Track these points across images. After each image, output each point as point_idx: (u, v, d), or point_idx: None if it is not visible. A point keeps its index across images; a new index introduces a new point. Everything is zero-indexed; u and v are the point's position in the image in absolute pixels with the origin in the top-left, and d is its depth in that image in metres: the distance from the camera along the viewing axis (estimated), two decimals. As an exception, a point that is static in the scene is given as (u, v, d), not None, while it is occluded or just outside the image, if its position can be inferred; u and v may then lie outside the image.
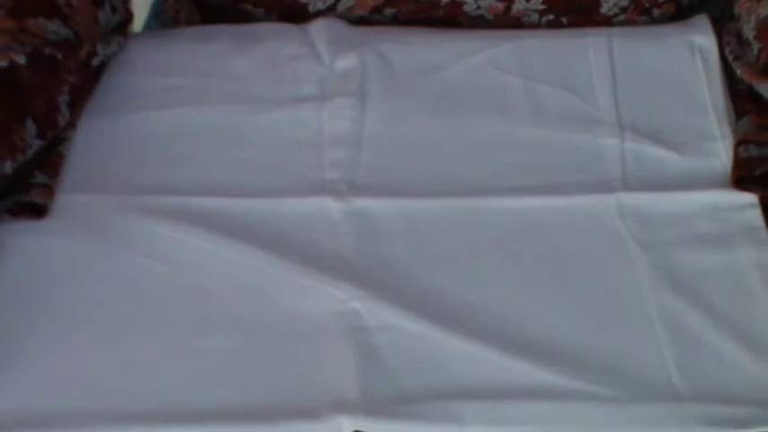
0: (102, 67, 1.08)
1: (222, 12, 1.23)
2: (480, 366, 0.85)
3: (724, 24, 1.12)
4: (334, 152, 1.02)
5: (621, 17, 1.19)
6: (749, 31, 1.06)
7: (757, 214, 0.95)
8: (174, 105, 1.06)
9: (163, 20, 1.34)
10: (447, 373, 0.84)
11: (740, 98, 1.05)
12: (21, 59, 0.96)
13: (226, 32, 1.15)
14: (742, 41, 1.07)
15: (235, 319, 0.88)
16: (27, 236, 0.94)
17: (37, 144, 0.95)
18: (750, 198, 0.96)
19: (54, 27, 1.01)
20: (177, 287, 0.91)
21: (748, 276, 0.91)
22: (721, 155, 1.00)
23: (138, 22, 1.26)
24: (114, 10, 1.11)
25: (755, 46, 1.04)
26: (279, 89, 1.08)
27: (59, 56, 1.00)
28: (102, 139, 1.03)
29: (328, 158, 1.02)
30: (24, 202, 0.94)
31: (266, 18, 1.21)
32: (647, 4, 1.19)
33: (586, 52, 1.11)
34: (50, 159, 0.98)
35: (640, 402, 0.82)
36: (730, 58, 1.08)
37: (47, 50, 0.99)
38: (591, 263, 0.92)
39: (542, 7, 1.18)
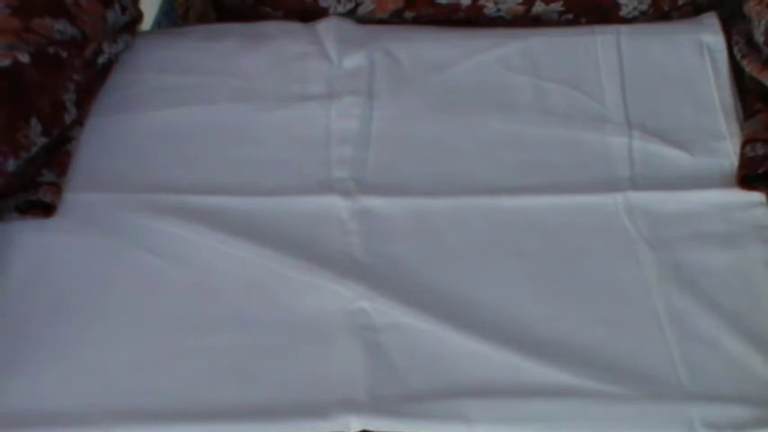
0: (109, 65, 1.08)
1: (241, 14, 1.23)
2: (488, 365, 0.85)
3: (734, 23, 1.12)
4: (341, 150, 1.02)
5: (641, 21, 1.19)
6: (759, 36, 1.06)
7: (766, 213, 0.95)
8: (182, 103, 1.06)
9: (172, 18, 1.34)
10: (455, 372, 0.84)
11: (749, 97, 1.05)
12: (24, 58, 0.96)
13: (234, 31, 1.15)
14: (752, 44, 1.07)
15: (242, 318, 0.88)
16: (34, 234, 0.94)
17: (41, 142, 0.96)
18: (758, 197, 0.96)
19: (60, 26, 1.02)
20: (184, 285, 0.91)
21: (757, 275, 0.90)
22: (729, 154, 1.00)
23: (148, 20, 1.26)
24: (124, 10, 1.11)
25: (765, 51, 1.04)
26: (287, 87, 1.08)
27: (64, 54, 1.00)
28: (109, 137, 1.03)
29: (336, 157, 1.02)
30: (32, 201, 0.95)
31: None
32: (666, 8, 1.19)
33: (595, 51, 1.10)
34: (58, 157, 0.98)
35: (648, 401, 0.82)
36: (738, 56, 1.07)
37: (51, 49, 0.99)
38: (599, 262, 0.92)
39: (562, 9, 1.18)
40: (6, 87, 0.94)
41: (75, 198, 0.97)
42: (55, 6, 1.02)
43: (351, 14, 1.18)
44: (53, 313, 0.89)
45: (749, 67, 1.05)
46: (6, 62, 0.95)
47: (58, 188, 0.96)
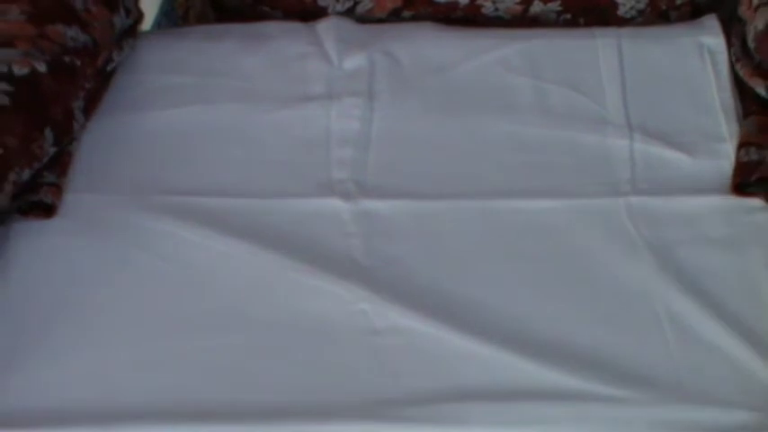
0: (112, 71, 1.08)
1: (240, 14, 1.23)
2: (488, 367, 0.84)
3: (733, 25, 1.12)
4: (341, 152, 1.02)
5: (639, 20, 1.19)
6: (750, 41, 1.06)
7: (767, 216, 0.95)
8: (182, 104, 1.06)
9: (172, 18, 1.34)
10: (455, 375, 0.84)
11: (747, 98, 1.05)
12: (41, 67, 0.96)
13: (234, 31, 1.15)
14: (746, 47, 1.07)
15: (243, 320, 0.88)
16: (35, 235, 0.94)
17: (53, 151, 0.96)
18: (759, 200, 0.96)
19: (73, 33, 1.02)
20: (186, 286, 0.91)
21: (758, 278, 0.90)
22: (730, 156, 1.00)
23: (148, 20, 1.26)
24: (128, 13, 1.11)
25: (756, 57, 1.04)
26: (287, 88, 1.08)
27: (78, 63, 1.00)
28: (110, 137, 1.04)
29: (336, 158, 1.02)
30: (33, 201, 0.95)
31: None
32: (663, 7, 1.19)
33: (596, 53, 1.10)
34: (59, 158, 0.98)
35: (648, 404, 0.82)
36: (733, 59, 1.08)
37: (67, 58, 0.99)
38: (600, 264, 0.92)
39: (560, 8, 1.18)
40: (25, 97, 0.94)
41: (76, 199, 0.97)
42: (67, 13, 1.03)
43: (349, 13, 1.18)
44: (53, 313, 0.89)
45: (742, 71, 1.06)
46: (25, 70, 0.95)
47: (58, 189, 0.96)
